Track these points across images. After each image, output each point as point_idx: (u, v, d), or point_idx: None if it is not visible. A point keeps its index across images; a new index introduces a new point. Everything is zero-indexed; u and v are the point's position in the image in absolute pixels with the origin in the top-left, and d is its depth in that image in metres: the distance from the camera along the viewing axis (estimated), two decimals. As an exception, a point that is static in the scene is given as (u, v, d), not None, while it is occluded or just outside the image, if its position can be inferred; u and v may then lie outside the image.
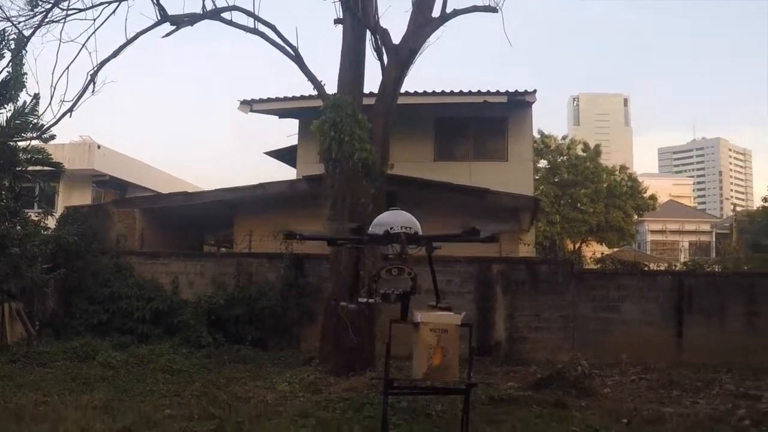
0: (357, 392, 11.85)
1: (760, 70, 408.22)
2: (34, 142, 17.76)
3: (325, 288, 16.22)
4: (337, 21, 15.91)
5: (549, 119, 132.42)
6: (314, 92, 16.31)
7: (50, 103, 15.75)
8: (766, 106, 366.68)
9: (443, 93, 23.99)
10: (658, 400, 12.34)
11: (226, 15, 15.85)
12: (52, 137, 17.67)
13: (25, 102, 17.23)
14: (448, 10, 16.06)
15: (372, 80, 16.49)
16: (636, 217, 59.05)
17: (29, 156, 17.73)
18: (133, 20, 23.26)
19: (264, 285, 18.44)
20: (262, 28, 15.66)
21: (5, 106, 17.14)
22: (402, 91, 17.04)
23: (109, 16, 15.88)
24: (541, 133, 53.73)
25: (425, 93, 23.66)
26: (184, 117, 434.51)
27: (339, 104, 14.69)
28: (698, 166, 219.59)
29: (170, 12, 15.75)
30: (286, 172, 29.63)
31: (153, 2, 15.61)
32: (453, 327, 8.69)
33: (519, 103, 24.00)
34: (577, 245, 52.72)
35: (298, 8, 26.39)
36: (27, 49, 16.50)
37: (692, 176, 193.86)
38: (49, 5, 15.80)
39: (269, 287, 18.36)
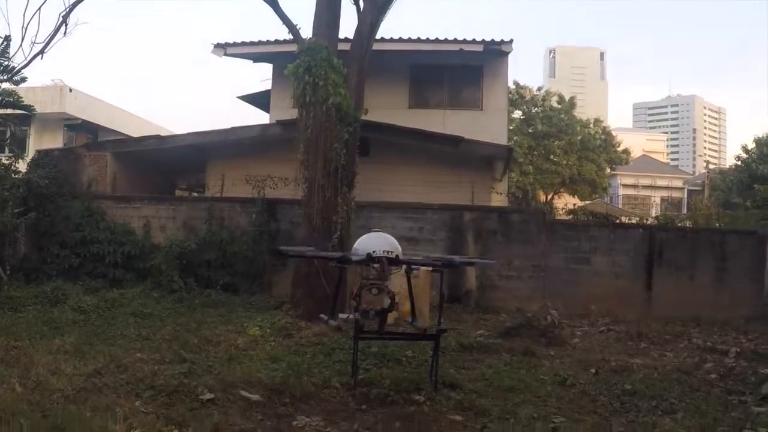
0: (328, 337, 11.91)
1: (738, 30, 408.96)
2: (5, 85, 17.48)
3: (298, 233, 16.19)
4: (313, -37, 15.68)
5: (525, 71, 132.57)
6: (289, 36, 16.06)
7: (21, 45, 15.57)
8: (742, 65, 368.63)
9: (419, 40, 23.72)
10: (627, 351, 12.49)
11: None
12: (23, 80, 17.44)
13: (-5, 44, 16.88)
14: (427, -45, 15.86)
15: (348, 26, 16.39)
16: (609, 170, 59.43)
17: (0, 99, 17.43)
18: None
19: (236, 230, 18.41)
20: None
21: (-25, 49, 16.79)
22: (378, 37, 16.85)
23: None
24: (516, 84, 53.62)
25: (401, 40, 23.37)
26: (158, 61, 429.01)
27: (314, 48, 14.55)
28: (673, 122, 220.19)
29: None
30: (260, 118, 29.40)
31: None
32: (424, 273, 8.77)
33: (495, 52, 23.83)
34: (549, 197, 52.98)
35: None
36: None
37: (666, 132, 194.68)
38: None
39: (241, 232, 18.33)
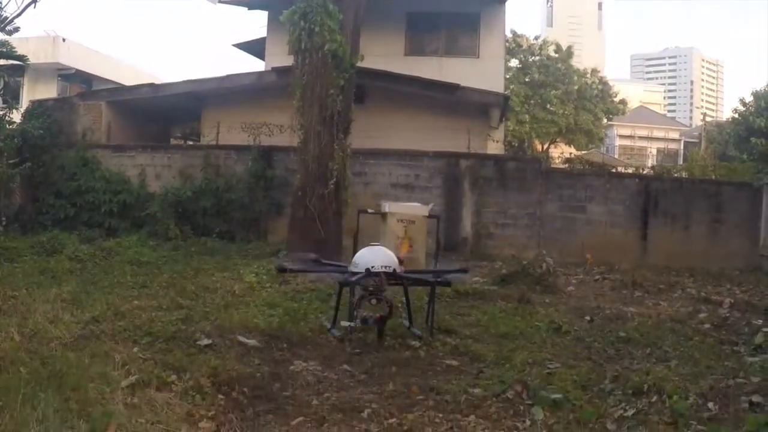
0: (324, 283, 11.96)
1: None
2: (-3, 35, 17.32)
3: (293, 180, 16.16)
4: None
5: (522, 20, 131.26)
6: (285, -17, 15.90)
7: (14, -5, 15.28)
8: (740, 19, 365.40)
9: (416, -14, 23.50)
10: (621, 300, 12.49)
11: None
12: (16, 29, 17.36)
13: (-13, -6, 16.71)
14: None
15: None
16: (605, 121, 59.11)
17: (-7, 49, 17.32)
18: None
19: (232, 177, 18.41)
20: None
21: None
22: (374, -18, 16.69)
23: None
24: (513, 32, 53.07)
25: (398, -15, 23.13)
26: (152, 10, 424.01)
27: (310, -6, 14.40)
28: (670, 74, 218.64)
29: None
30: (255, 66, 29.21)
31: None
32: (420, 218, 8.79)
33: (492, -2, 23.63)
34: (545, 146, 52.84)
35: None
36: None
37: (664, 84, 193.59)
38: None
39: (237, 179, 18.33)
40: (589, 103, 53.64)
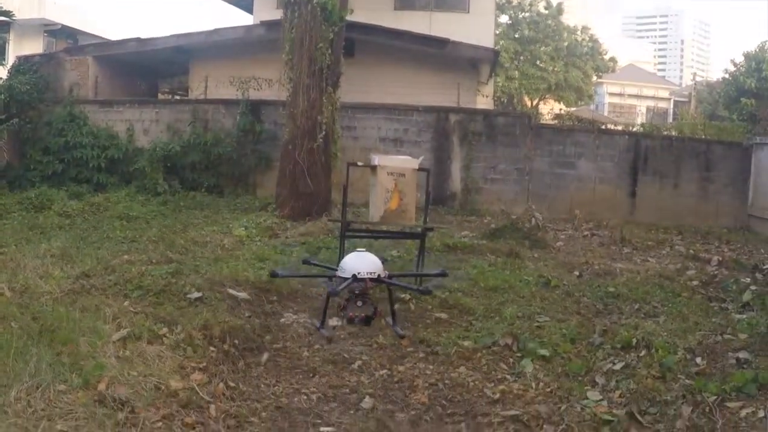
0: (313, 236, 12.00)
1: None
2: (-19, -9, 17.12)
3: (282, 134, 16.09)
4: None
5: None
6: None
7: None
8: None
9: (406, -63, 23.24)
10: (610, 255, 12.57)
11: None
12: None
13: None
14: None
15: None
16: (595, 78, 58.86)
17: (-23, 5, 17.13)
18: None
19: (220, 132, 18.35)
20: None
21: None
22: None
23: None
24: (504, -12, 52.62)
25: (387, -64, 22.88)
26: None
27: (299, -55, 14.23)
28: (661, 33, 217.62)
29: None
30: (244, 20, 28.92)
31: None
32: (410, 171, 8.73)
33: (483, -48, 23.41)
34: (535, 102, 52.66)
35: None
36: None
37: (654, 43, 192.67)
38: None
39: (225, 134, 18.28)
40: (579, 60, 53.37)
